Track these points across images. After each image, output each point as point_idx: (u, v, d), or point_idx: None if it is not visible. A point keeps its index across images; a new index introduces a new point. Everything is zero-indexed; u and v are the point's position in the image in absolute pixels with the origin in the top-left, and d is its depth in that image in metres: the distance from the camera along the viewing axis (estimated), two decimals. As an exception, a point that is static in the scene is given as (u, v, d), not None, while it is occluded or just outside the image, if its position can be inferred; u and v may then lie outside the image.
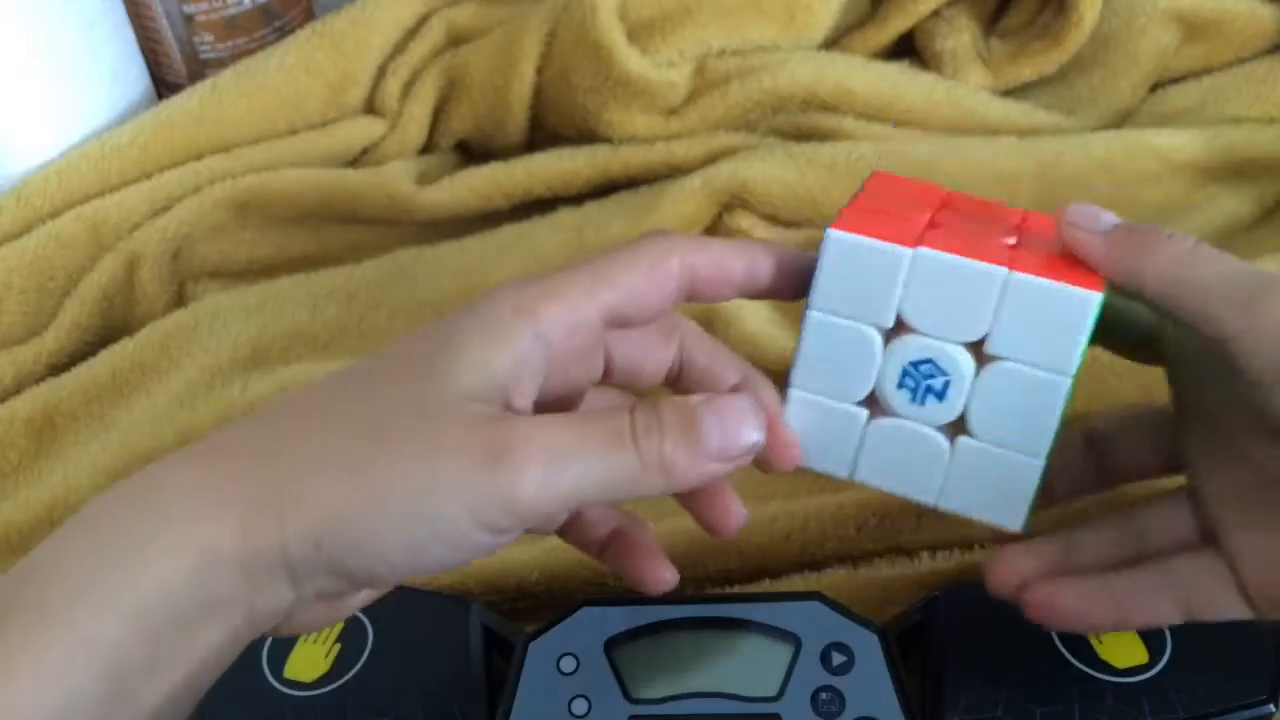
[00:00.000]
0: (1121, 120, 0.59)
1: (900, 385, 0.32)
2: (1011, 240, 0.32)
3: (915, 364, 0.32)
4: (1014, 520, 0.33)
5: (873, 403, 0.32)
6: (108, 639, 0.26)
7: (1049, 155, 0.54)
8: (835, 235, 0.31)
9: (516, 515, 0.27)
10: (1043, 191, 0.53)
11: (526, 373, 0.29)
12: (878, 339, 0.32)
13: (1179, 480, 0.35)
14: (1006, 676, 0.35)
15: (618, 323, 0.31)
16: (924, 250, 0.31)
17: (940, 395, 0.32)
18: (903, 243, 0.31)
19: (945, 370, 0.31)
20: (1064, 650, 0.36)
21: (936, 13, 0.62)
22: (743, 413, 0.30)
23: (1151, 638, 0.36)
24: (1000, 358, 0.31)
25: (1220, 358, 0.30)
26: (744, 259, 0.32)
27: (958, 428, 0.32)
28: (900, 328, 0.31)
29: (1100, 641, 0.36)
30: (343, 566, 0.27)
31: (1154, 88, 0.60)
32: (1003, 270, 0.30)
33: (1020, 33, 0.62)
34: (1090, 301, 0.30)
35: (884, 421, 0.32)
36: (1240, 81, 0.58)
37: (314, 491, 0.27)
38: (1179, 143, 0.54)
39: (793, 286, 0.32)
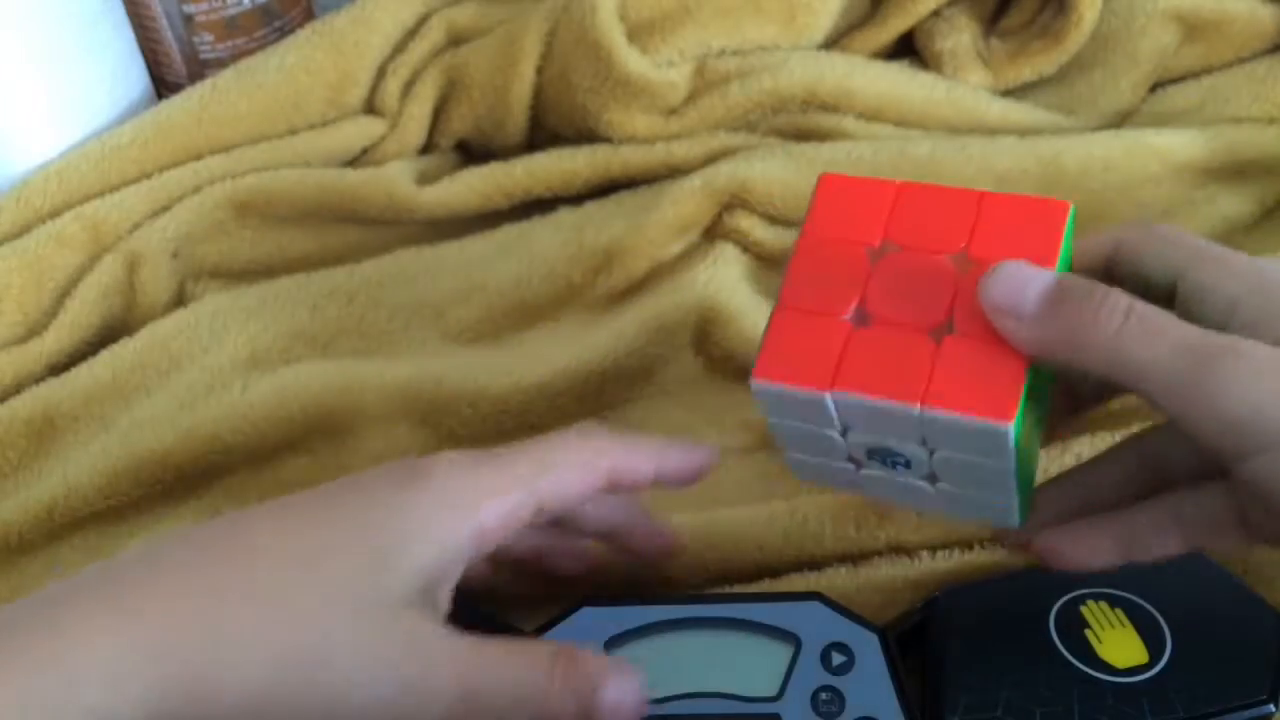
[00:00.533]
0: (1121, 120, 0.59)
1: (870, 459, 0.33)
2: (946, 311, 0.31)
3: (872, 450, 0.33)
4: (1009, 521, 0.34)
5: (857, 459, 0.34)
6: None
7: (1049, 155, 0.54)
8: (757, 387, 0.32)
9: None
10: (1043, 191, 0.53)
11: (459, 566, 0.31)
12: (836, 434, 0.33)
13: None
14: (1006, 676, 0.35)
15: (542, 515, 0.33)
16: (839, 393, 0.31)
17: (907, 465, 0.33)
18: (819, 383, 0.31)
19: (901, 453, 0.32)
20: (1064, 650, 0.36)
21: (936, 13, 0.62)
22: (631, 688, 0.32)
23: (1152, 638, 0.36)
24: (943, 453, 0.32)
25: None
26: (655, 461, 0.35)
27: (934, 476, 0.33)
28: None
29: (1100, 641, 0.36)
30: None
31: (1154, 88, 0.60)
32: (915, 408, 0.30)
33: (1020, 32, 0.62)
34: (1004, 433, 0.30)
35: (871, 472, 0.34)
36: (1240, 81, 0.58)
37: (233, 686, 0.27)
38: (1179, 143, 0.54)
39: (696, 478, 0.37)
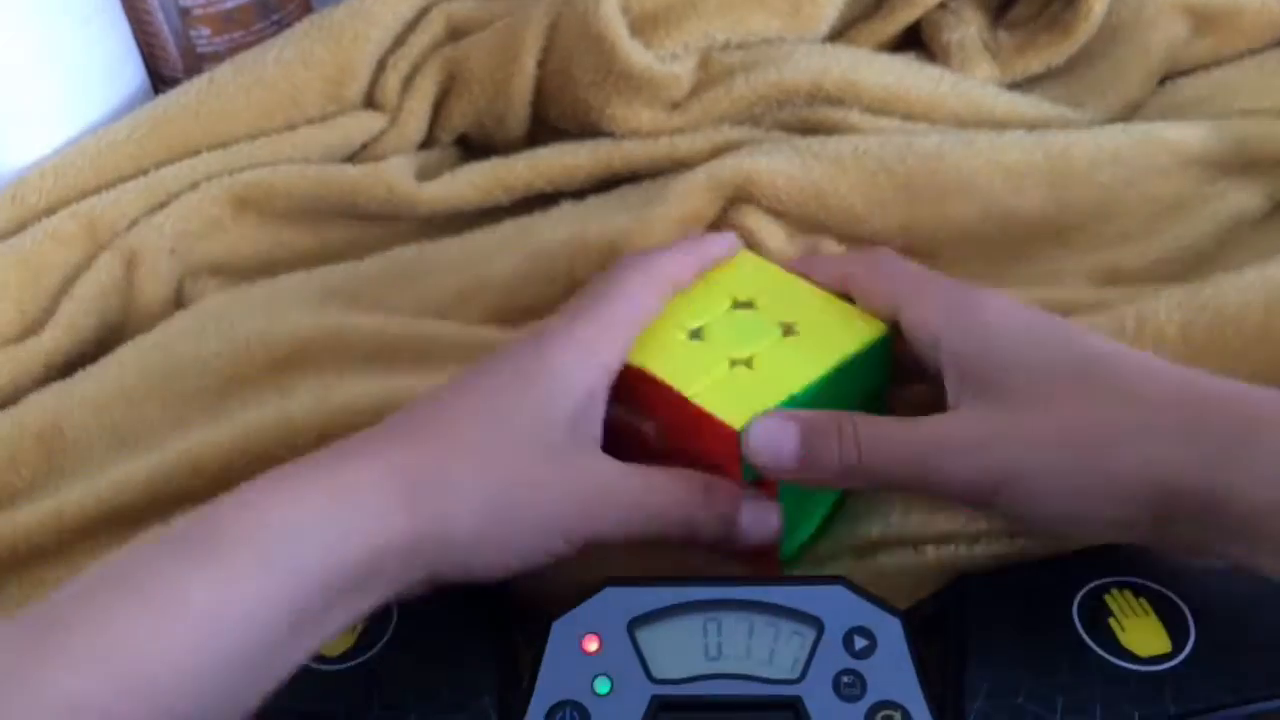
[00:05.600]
0: (1131, 113, 0.59)
1: None
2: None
3: None
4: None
5: None
6: (301, 586, 0.32)
7: (1057, 148, 0.53)
8: None
9: (592, 543, 0.37)
10: (1052, 185, 0.52)
11: (602, 403, 0.39)
12: None
13: None
14: (1028, 663, 0.35)
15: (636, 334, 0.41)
16: None
17: None
18: None
19: None
20: (1087, 638, 0.36)
21: (943, 5, 0.62)
22: (769, 513, 0.39)
23: (1175, 628, 0.36)
24: None
25: None
26: (696, 256, 0.45)
27: None
28: None
29: (1123, 629, 0.36)
30: (459, 566, 0.36)
31: (1163, 80, 0.60)
32: None
33: (1028, 25, 0.61)
34: None
35: None
36: (1250, 74, 0.57)
37: (464, 520, 0.35)
38: (1189, 135, 0.53)
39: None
